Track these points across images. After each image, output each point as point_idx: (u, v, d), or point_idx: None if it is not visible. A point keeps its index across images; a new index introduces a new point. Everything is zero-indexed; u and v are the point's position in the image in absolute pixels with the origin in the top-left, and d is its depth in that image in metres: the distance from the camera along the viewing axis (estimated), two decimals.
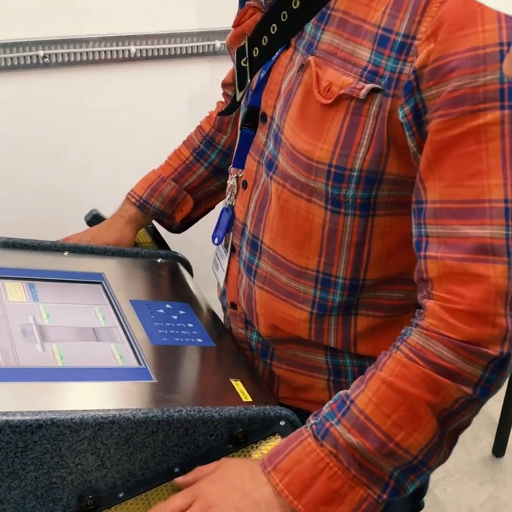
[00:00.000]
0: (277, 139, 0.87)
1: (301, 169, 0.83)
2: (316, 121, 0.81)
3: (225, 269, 1.00)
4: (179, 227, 1.29)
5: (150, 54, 1.62)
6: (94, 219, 1.34)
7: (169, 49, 1.63)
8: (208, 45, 1.65)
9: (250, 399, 0.87)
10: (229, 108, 1.06)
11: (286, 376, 0.98)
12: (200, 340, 0.98)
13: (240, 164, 0.95)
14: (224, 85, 1.19)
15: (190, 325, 1.01)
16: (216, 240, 1.00)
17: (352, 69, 0.79)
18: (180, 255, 1.21)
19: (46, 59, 1.55)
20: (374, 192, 0.82)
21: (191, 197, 1.24)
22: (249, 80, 0.93)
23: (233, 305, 1.01)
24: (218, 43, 1.66)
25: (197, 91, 1.65)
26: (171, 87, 1.64)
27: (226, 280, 1.01)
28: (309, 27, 0.85)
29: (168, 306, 1.05)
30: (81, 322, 0.95)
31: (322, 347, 0.94)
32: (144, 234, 1.32)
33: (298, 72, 0.84)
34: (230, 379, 0.90)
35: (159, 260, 1.19)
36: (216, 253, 1.05)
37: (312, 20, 0.84)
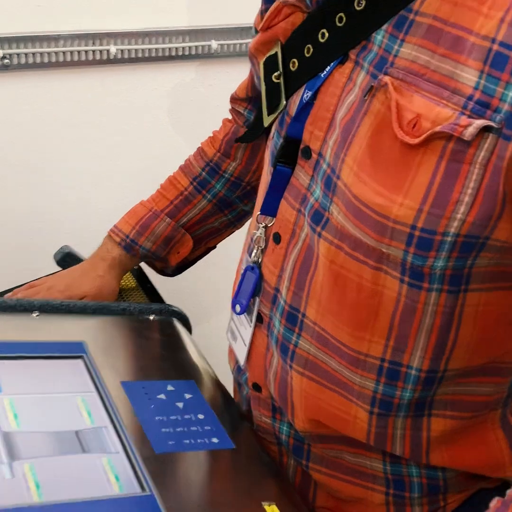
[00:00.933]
0: (329, 184, 0.65)
1: (368, 229, 0.61)
2: (394, 166, 0.59)
3: (248, 344, 0.78)
4: (173, 271, 1.06)
5: (133, 55, 1.35)
6: (66, 258, 1.10)
7: (156, 49, 1.36)
8: (203, 46, 1.41)
9: None
10: (250, 134, 0.83)
11: (327, 483, 0.76)
12: (215, 441, 0.75)
13: (270, 211, 0.72)
14: (234, 100, 0.97)
15: (200, 416, 0.79)
16: (237, 309, 0.77)
17: (450, 97, 0.57)
18: (176, 308, 0.99)
19: (6, 61, 1.30)
20: (470, 261, 0.61)
21: (190, 236, 1.02)
22: (284, 102, 0.72)
23: (257, 387, 0.79)
24: (214, 44, 1.40)
25: (190, 100, 1.41)
26: (158, 94, 1.38)
27: (248, 356, 0.80)
28: (379, 36, 0.63)
29: (169, 387, 0.82)
30: (60, 423, 0.71)
31: (380, 451, 0.73)
32: (127, 276, 1.10)
33: (364, 97, 0.62)
34: (262, 503, 0.68)
35: (151, 317, 0.96)
36: (232, 320, 0.83)
37: (385, 26, 0.62)
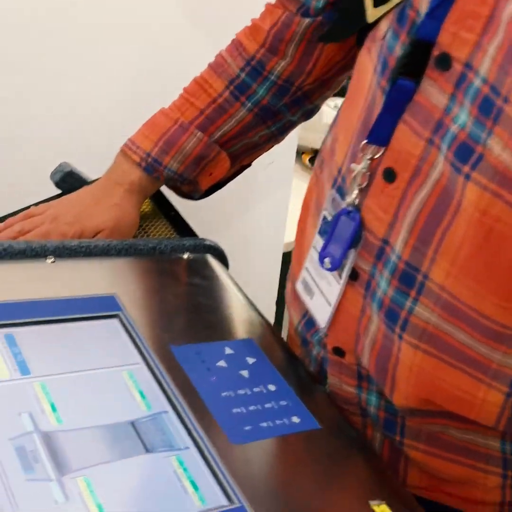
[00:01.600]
0: (488, 108, 0.49)
1: None
2: None
3: (334, 304, 0.64)
4: (202, 195, 0.89)
5: None
6: (67, 178, 0.91)
7: None
8: None
9: None
10: (341, 31, 0.65)
11: (424, 461, 0.64)
12: (296, 420, 0.62)
13: (381, 139, 0.55)
14: None
15: (271, 387, 0.65)
16: (327, 264, 0.60)
17: None
18: (211, 242, 0.83)
19: None
20: None
21: (226, 154, 0.84)
22: None
23: (339, 352, 0.65)
24: None
25: None
26: None
27: (332, 317, 0.65)
28: None
29: (228, 350, 0.67)
30: (110, 412, 0.57)
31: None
32: (145, 202, 0.92)
33: None
34: (370, 502, 0.57)
35: (185, 256, 0.80)
36: (307, 270, 0.67)
37: None
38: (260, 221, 1.44)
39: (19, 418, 0.52)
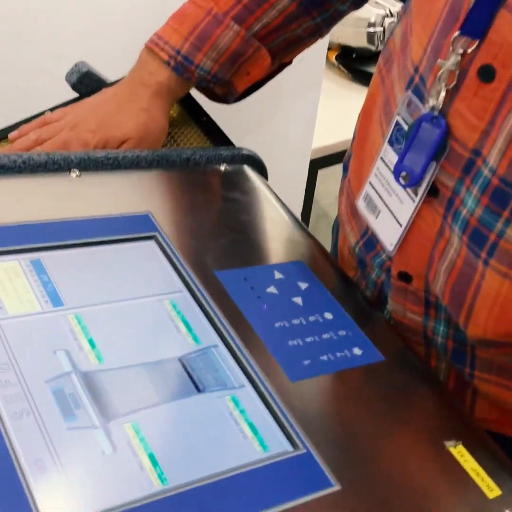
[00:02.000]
0: None
1: None
2: None
3: (406, 224, 0.55)
4: (237, 98, 0.80)
5: None
6: (84, 80, 0.82)
7: None
8: None
9: (498, 491, 0.49)
10: None
11: (496, 394, 0.58)
12: (358, 352, 0.56)
13: (477, 29, 0.46)
14: None
15: (328, 316, 0.59)
16: (405, 179, 0.52)
17: None
18: (249, 152, 0.75)
19: None
20: None
21: (266, 50, 0.75)
22: None
23: (406, 277, 0.58)
24: None
25: None
26: None
27: (402, 239, 0.57)
28: None
29: (277, 275, 0.61)
30: (155, 347, 0.51)
31: None
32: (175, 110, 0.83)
33: None
34: (446, 443, 0.51)
35: (222, 168, 0.72)
36: (371, 185, 0.58)
37: None
38: (287, 125, 1.34)
39: (55, 357, 0.47)
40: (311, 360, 0.53)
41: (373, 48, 1.59)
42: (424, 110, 0.51)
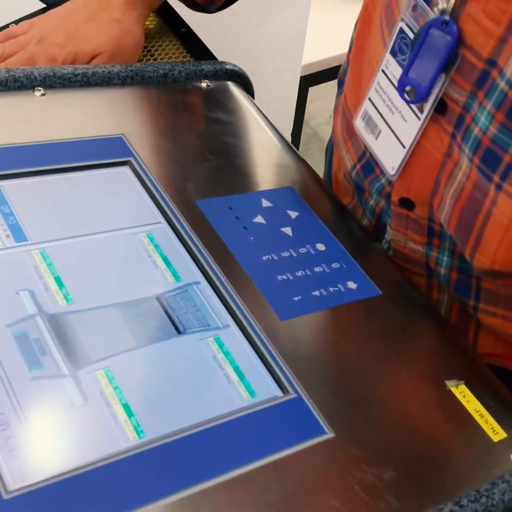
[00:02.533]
0: None
1: None
2: None
3: (410, 144, 0.49)
4: (219, 7, 0.73)
5: None
6: None
7: None
8: None
9: (504, 434, 0.46)
10: None
11: (502, 327, 0.54)
12: (352, 286, 0.52)
13: None
14: None
15: (320, 247, 0.54)
16: (410, 94, 0.46)
17: None
18: (234, 67, 0.68)
19: None
20: None
21: None
22: None
23: (408, 203, 0.53)
24: None
25: None
26: None
27: (405, 161, 0.51)
28: None
29: (265, 203, 0.56)
30: (130, 286, 0.46)
31: None
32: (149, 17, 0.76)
33: None
34: (447, 382, 0.48)
35: (203, 85, 0.66)
36: (370, 101, 0.52)
37: None
38: (275, 38, 1.26)
39: (18, 298, 0.42)
40: (302, 296, 0.48)
41: None
42: (433, 14, 0.44)
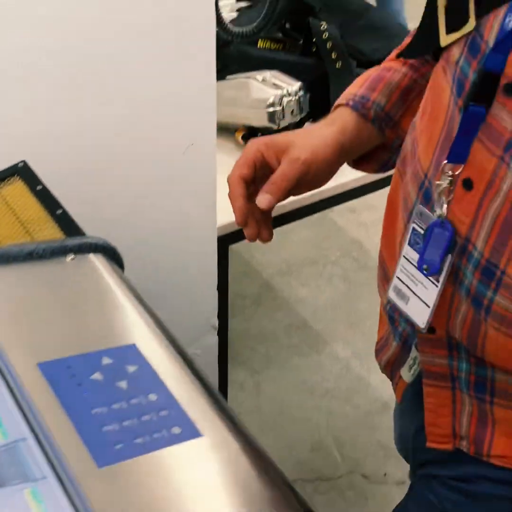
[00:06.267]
0: None
1: None
2: None
3: (433, 306, 0.69)
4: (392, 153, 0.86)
5: None
6: None
7: None
8: None
9: None
10: (415, 49, 0.74)
11: None
12: (177, 431, 0.57)
13: (460, 158, 0.63)
14: None
15: (152, 397, 0.59)
16: (426, 270, 0.67)
17: None
18: (98, 240, 0.76)
19: None
20: None
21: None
22: (473, 23, 0.60)
23: (430, 329, 0.72)
24: None
25: None
26: None
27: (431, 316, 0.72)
28: None
29: (105, 360, 0.62)
30: None
31: None
32: (32, 204, 0.86)
33: None
34: None
35: (68, 259, 0.74)
36: (398, 278, 0.72)
37: None
38: (188, 209, 1.38)
39: None
40: (124, 444, 0.53)
41: (274, 126, 1.65)
42: (434, 218, 0.66)
